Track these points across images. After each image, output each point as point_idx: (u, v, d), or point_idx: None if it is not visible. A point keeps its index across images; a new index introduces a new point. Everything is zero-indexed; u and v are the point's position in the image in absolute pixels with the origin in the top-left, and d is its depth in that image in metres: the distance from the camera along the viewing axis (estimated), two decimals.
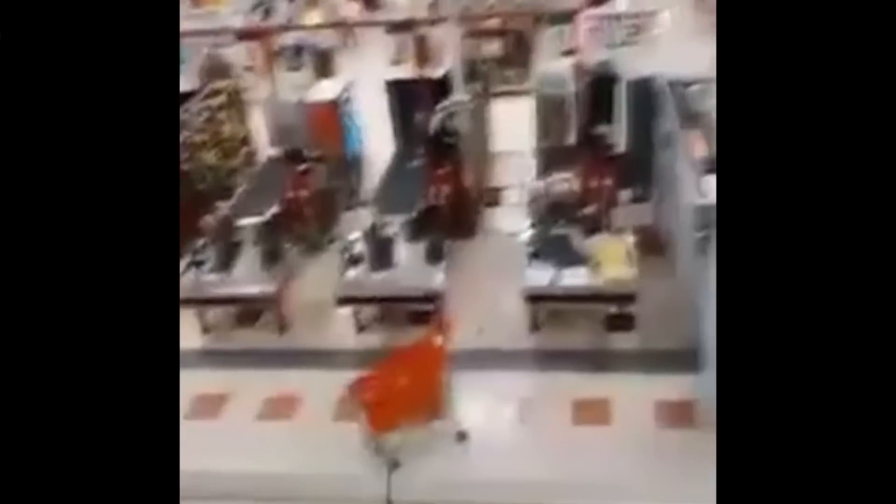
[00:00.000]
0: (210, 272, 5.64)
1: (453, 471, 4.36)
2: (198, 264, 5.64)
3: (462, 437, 4.50)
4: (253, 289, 5.58)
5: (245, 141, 7.57)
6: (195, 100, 7.13)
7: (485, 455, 4.44)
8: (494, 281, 5.83)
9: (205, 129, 6.98)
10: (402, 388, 4.41)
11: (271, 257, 5.74)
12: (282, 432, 4.81)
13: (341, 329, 5.62)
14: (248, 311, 5.82)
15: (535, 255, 5.29)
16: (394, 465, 4.32)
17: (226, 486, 4.37)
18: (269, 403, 5.01)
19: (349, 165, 7.30)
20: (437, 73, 6.73)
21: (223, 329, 5.84)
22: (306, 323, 5.77)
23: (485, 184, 7.04)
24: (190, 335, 5.74)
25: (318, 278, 6.00)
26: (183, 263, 5.77)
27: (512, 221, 6.36)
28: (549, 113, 6.58)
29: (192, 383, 5.34)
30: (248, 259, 5.74)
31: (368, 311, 5.66)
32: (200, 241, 5.81)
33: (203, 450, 4.62)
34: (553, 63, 6.62)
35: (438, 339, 4.49)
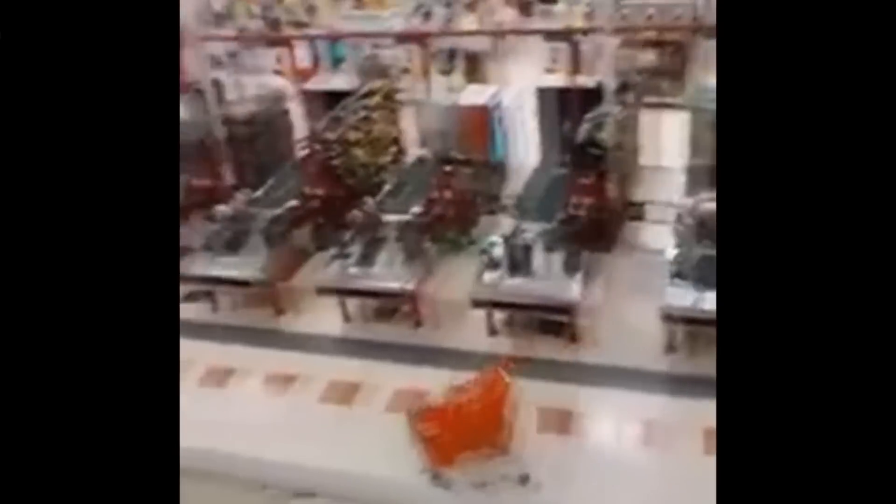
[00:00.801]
0: (354, 265, 5.89)
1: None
2: (343, 256, 5.92)
3: (524, 479, 4.32)
4: (392, 284, 5.77)
5: (395, 140, 7.82)
6: (352, 99, 7.46)
7: (608, 475, 4.39)
8: (631, 297, 5.72)
9: (359, 128, 7.27)
10: (464, 422, 4.27)
11: (412, 255, 5.92)
12: (405, 425, 4.95)
13: (473, 330, 5.70)
14: (387, 304, 6.03)
15: (677, 275, 5.14)
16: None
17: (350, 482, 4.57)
18: (399, 396, 5.16)
19: (493, 170, 7.39)
20: (589, 82, 6.68)
21: (362, 320, 6.09)
22: (440, 321, 5.90)
23: (629, 197, 6.89)
24: (331, 323, 6.05)
25: (454, 278, 6.11)
26: (329, 255, 6.10)
27: (655, 238, 6.22)
28: (702, 128, 6.37)
29: (329, 369, 5.66)
30: (390, 255, 5.95)
31: (501, 315, 5.71)
32: (347, 235, 6.09)
33: (334, 435, 4.89)
34: (710, 77, 6.40)
35: (506, 375, 4.36)
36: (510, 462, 4.35)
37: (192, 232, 7.05)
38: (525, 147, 7.57)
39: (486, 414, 4.29)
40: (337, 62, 9.67)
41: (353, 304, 6.08)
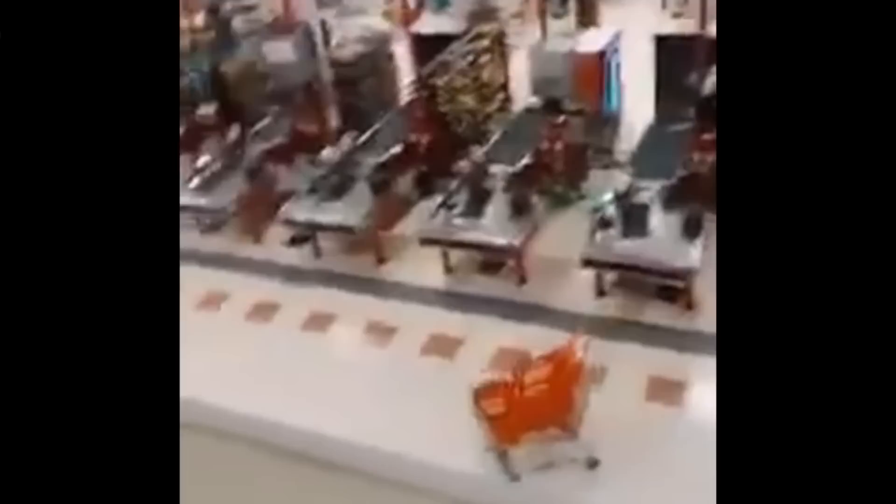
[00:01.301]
0: (459, 216, 5.72)
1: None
2: (448, 207, 5.76)
3: (593, 463, 4.07)
4: (498, 238, 5.57)
5: (503, 87, 7.54)
6: (459, 43, 7.20)
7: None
8: None
9: (466, 73, 7.03)
10: (530, 400, 3.99)
11: (519, 208, 5.69)
12: None
13: (580, 290, 5.46)
14: (492, 259, 5.85)
15: None
16: (514, 478, 4.07)
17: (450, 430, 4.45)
18: (501, 354, 5.02)
19: (606, 121, 7.02)
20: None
21: (465, 272, 5.94)
22: (545, 279, 5.69)
23: None
24: (433, 274, 5.94)
25: (562, 235, 5.86)
26: (434, 204, 5.95)
27: None
28: None
29: (429, 321, 5.56)
30: (497, 207, 5.74)
31: (612, 276, 5.45)
32: (453, 184, 5.91)
33: (436, 386, 4.80)
34: None
35: (578, 352, 3.99)
36: (579, 446, 4.10)
37: (296, 176, 7.07)
38: (641, 98, 7.13)
39: (554, 394, 4.01)
40: (443, 4, 9.37)
41: (456, 256, 5.94)
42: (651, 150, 6.08)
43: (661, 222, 5.22)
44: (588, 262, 5.27)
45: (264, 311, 5.85)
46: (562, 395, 3.98)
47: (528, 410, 4.00)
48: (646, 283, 5.30)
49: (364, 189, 6.24)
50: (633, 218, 5.22)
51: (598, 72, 6.73)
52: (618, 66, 7.03)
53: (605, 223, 5.26)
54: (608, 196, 5.39)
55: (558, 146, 6.26)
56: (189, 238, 6.88)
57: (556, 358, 4.06)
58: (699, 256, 5.00)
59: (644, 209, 5.24)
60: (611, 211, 5.30)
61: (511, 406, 4.00)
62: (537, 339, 5.12)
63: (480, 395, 4.10)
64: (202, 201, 6.67)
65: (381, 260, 6.18)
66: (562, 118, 6.28)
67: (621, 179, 5.50)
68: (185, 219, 6.88)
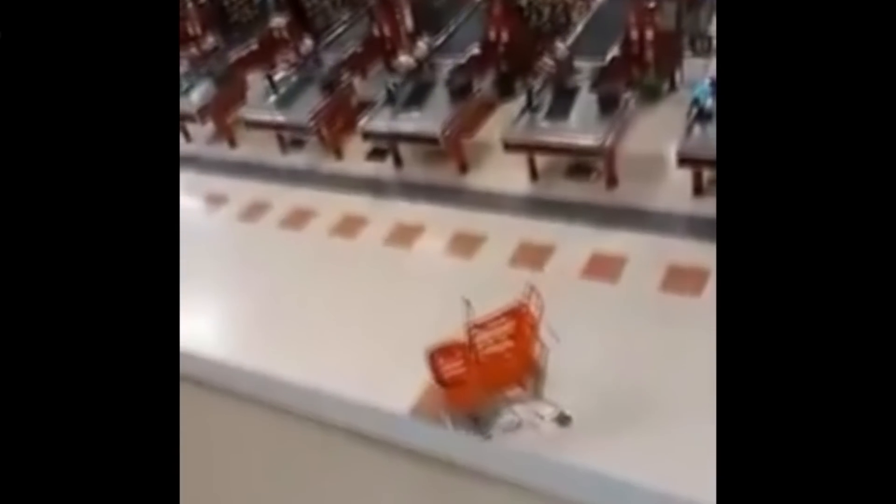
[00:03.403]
0: (543, 118, 5.41)
1: None
2: (532, 108, 5.45)
3: (564, 420, 3.78)
4: (586, 139, 5.25)
5: None
6: None
7: None
8: None
9: None
10: (493, 358, 3.74)
11: (607, 105, 5.33)
12: (603, 294, 4.62)
13: (676, 190, 5.12)
14: (579, 161, 5.55)
15: None
16: (487, 437, 3.77)
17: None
18: (593, 261, 4.81)
19: (700, 3, 6.42)
20: None
21: (552, 177, 5.68)
22: (638, 180, 5.36)
23: None
24: (518, 181, 5.70)
25: (655, 131, 5.49)
26: (518, 106, 5.65)
27: None
28: None
29: (517, 230, 5.38)
30: (584, 106, 5.39)
31: (711, 173, 5.07)
32: (536, 84, 5.58)
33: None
34: None
35: (533, 307, 3.67)
36: (547, 403, 3.82)
37: (373, 85, 6.87)
38: None
39: (518, 363, 3.78)
40: None
41: (542, 160, 5.67)
42: None
43: None
44: (685, 160, 4.91)
45: (349, 226, 5.80)
46: (525, 362, 3.75)
47: (491, 370, 3.75)
48: None
49: (443, 95, 5.98)
50: None
51: None
52: None
53: (702, 115, 4.85)
54: (706, 86, 4.95)
55: (649, 34, 5.78)
56: (271, 155, 6.90)
57: (515, 314, 3.78)
58: None
59: None
60: (709, 102, 4.87)
61: (471, 374, 3.74)
62: (631, 245, 4.90)
63: (436, 357, 3.80)
64: (281, 117, 6.59)
65: (463, 168, 5.97)
66: (652, 3, 5.77)
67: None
68: (266, 137, 6.91)
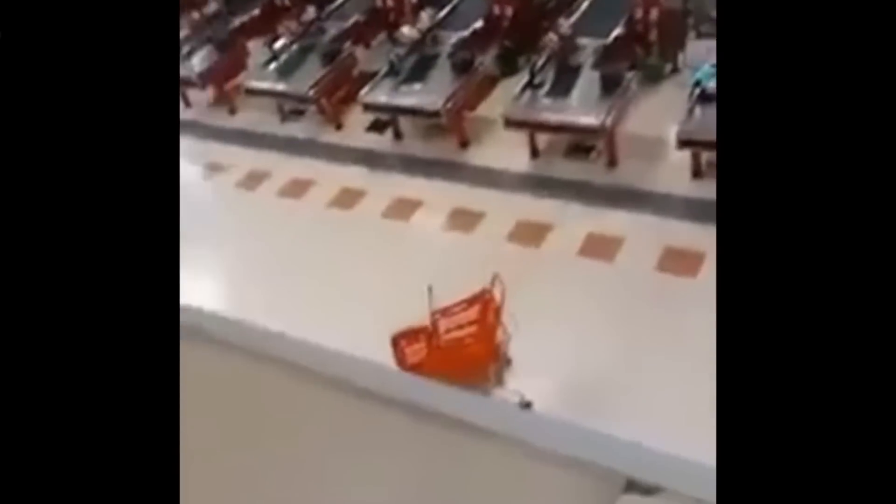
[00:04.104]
0: (545, 95, 5.40)
1: None
2: (534, 86, 5.43)
3: (526, 405, 3.67)
4: (587, 118, 5.24)
5: None
6: None
7: None
8: None
9: None
10: (451, 346, 3.74)
11: (609, 85, 5.32)
12: (600, 272, 4.65)
13: (676, 172, 5.13)
14: (580, 140, 5.54)
15: None
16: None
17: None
18: (590, 240, 4.83)
19: None
20: None
21: (553, 155, 5.67)
22: (638, 161, 5.37)
23: None
24: (518, 158, 5.69)
25: (656, 112, 5.49)
26: (518, 83, 5.62)
27: None
28: None
29: (516, 207, 5.38)
30: (586, 84, 5.38)
31: (710, 156, 5.07)
32: (539, 61, 5.55)
33: (521, 274, 4.68)
34: None
35: (497, 294, 3.68)
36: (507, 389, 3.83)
37: (375, 57, 6.83)
38: None
39: (482, 350, 3.79)
40: None
41: (543, 138, 5.66)
42: None
43: None
44: (685, 142, 4.91)
45: (347, 198, 5.79)
46: (488, 350, 3.77)
47: (452, 355, 3.76)
48: None
49: (445, 68, 5.95)
50: None
51: None
52: None
53: (704, 97, 4.85)
54: (708, 68, 4.95)
55: (654, 13, 5.76)
56: (270, 124, 6.86)
57: (479, 301, 3.80)
58: None
59: None
60: (712, 84, 4.87)
61: (434, 360, 3.74)
62: (629, 225, 4.92)
63: (399, 342, 3.80)
64: (281, 86, 6.55)
65: (464, 143, 5.96)
66: None
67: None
68: (266, 105, 6.87)
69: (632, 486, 1.04)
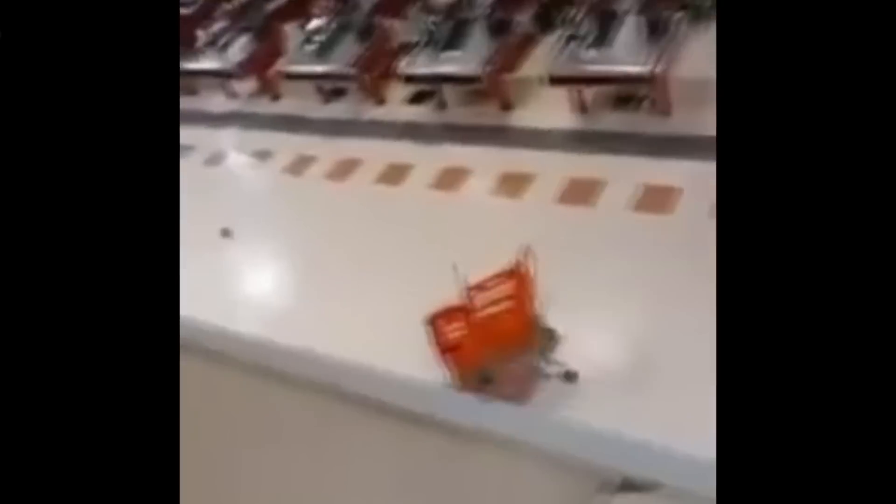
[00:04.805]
0: (588, 47, 5.18)
1: None
2: (575, 38, 5.22)
3: (570, 377, 3.46)
4: (634, 66, 5.00)
5: None
6: None
7: None
8: None
9: None
10: (489, 322, 3.51)
11: (655, 29, 5.07)
12: (655, 226, 4.45)
13: None
14: (628, 91, 5.32)
15: None
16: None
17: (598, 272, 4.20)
18: (647, 192, 4.62)
19: None
20: None
21: (601, 109, 5.46)
22: (692, 107, 5.11)
23: None
24: (565, 115, 5.49)
25: (709, 54, 5.19)
26: (560, 38, 5.41)
27: None
28: None
29: (566, 166, 5.21)
30: (630, 31, 5.14)
31: None
32: (578, 12, 5.33)
33: (575, 235, 4.52)
34: None
35: (530, 268, 3.45)
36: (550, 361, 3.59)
37: (411, 27, 6.69)
38: None
39: (517, 322, 3.55)
40: None
41: (589, 92, 5.44)
42: None
43: None
44: None
45: (395, 173, 5.72)
46: (525, 323, 3.57)
47: (491, 330, 3.54)
48: None
49: (482, 32, 5.79)
50: None
51: None
52: None
53: None
54: None
55: None
56: (313, 107, 6.83)
57: (514, 274, 3.61)
58: None
59: None
60: None
61: (472, 336, 3.52)
62: (687, 174, 4.69)
63: (437, 321, 3.59)
64: (320, 67, 6.50)
65: (506, 106, 5.80)
66: None
67: None
68: (307, 88, 6.83)
69: (627, 485, 0.97)
